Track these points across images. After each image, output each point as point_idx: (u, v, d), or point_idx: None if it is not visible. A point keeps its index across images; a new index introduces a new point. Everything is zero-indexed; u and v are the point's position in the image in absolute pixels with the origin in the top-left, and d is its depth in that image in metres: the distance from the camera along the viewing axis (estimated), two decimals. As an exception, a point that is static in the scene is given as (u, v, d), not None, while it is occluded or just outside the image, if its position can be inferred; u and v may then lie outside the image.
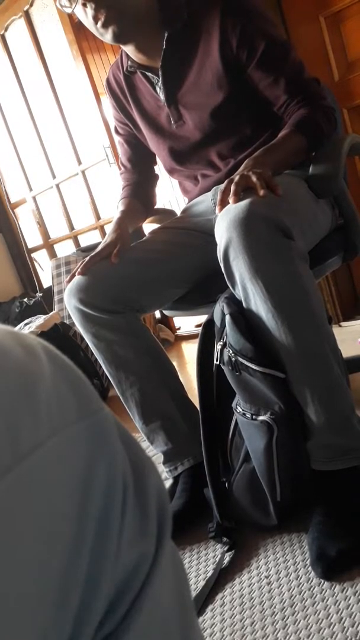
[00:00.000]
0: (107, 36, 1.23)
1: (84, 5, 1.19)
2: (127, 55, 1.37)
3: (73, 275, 1.28)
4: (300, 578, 0.97)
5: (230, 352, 1.03)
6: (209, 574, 1.07)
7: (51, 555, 0.27)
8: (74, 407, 0.30)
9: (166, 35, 1.27)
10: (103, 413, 0.31)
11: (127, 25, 1.23)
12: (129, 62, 1.36)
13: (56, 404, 0.29)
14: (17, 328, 2.54)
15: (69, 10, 1.23)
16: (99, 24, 1.21)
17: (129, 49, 1.33)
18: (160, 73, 1.32)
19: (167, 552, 0.33)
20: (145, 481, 0.33)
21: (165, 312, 1.47)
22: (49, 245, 3.67)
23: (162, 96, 1.35)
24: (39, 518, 0.26)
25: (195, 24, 1.27)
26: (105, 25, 1.21)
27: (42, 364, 0.29)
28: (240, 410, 1.07)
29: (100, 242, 1.35)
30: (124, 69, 1.40)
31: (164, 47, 1.28)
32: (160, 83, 1.34)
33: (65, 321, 2.66)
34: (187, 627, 0.36)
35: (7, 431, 0.25)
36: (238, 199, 1.00)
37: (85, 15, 1.22)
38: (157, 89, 1.36)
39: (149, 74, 1.35)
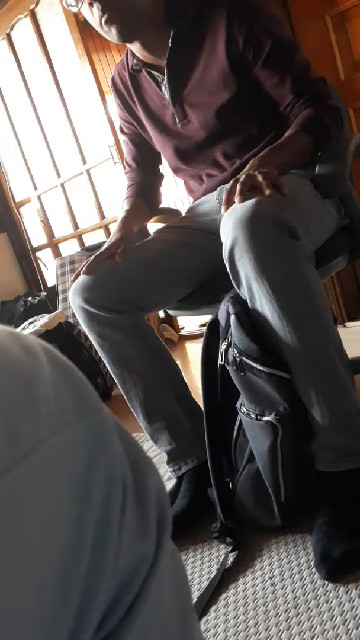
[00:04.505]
0: (113, 35, 1.23)
1: (90, 4, 1.19)
2: (133, 54, 1.36)
3: (78, 275, 1.28)
4: (305, 579, 0.97)
5: (235, 352, 1.03)
6: (213, 574, 1.07)
7: (51, 556, 0.26)
8: (73, 407, 0.30)
9: (172, 33, 1.27)
10: (103, 414, 0.31)
11: (132, 24, 1.23)
12: (135, 61, 1.36)
13: (56, 405, 0.28)
14: (21, 327, 2.55)
15: (75, 10, 1.23)
16: (105, 22, 1.21)
17: (135, 48, 1.33)
18: (165, 72, 1.32)
19: (167, 552, 0.33)
20: (145, 482, 0.33)
21: (170, 312, 1.47)
22: (53, 244, 3.68)
23: (167, 95, 1.35)
24: (38, 519, 0.26)
25: (201, 22, 1.27)
26: (111, 24, 1.21)
27: (42, 364, 0.29)
28: (245, 410, 1.07)
29: (105, 242, 1.35)
30: (130, 67, 1.40)
31: (170, 45, 1.28)
32: (165, 82, 1.33)
33: (69, 320, 2.66)
34: (187, 627, 0.36)
35: (6, 431, 0.25)
36: (244, 198, 0.99)
37: (92, 14, 1.21)
38: (163, 88, 1.35)
39: (155, 73, 1.35)
